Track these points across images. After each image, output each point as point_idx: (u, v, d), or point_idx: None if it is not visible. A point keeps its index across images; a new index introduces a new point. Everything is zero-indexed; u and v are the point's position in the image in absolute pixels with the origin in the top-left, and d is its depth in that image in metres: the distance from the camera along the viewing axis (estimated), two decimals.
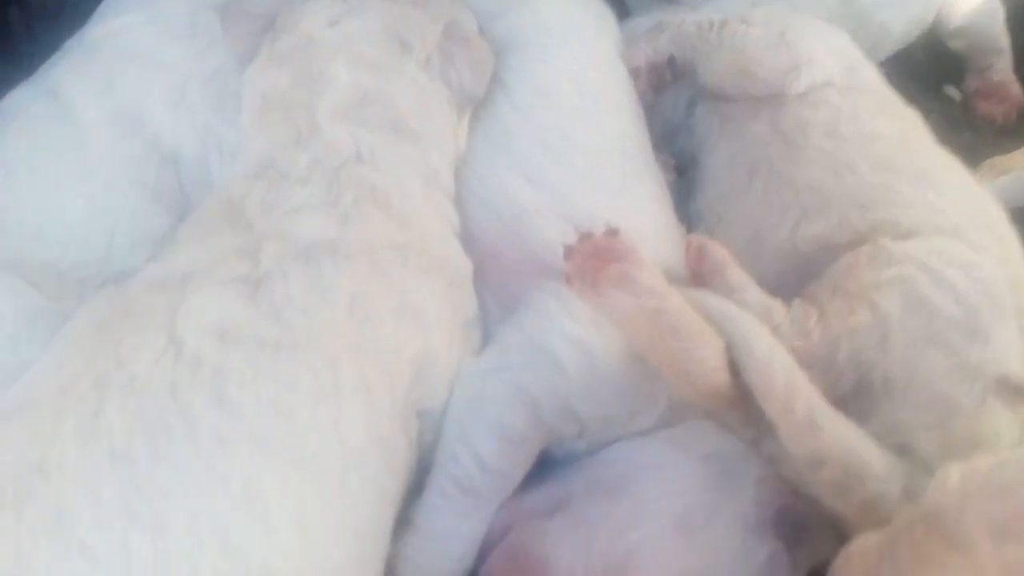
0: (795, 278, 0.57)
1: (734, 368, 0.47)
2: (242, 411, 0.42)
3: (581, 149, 0.60)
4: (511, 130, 0.61)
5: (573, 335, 0.48)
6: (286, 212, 0.49)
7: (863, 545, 0.41)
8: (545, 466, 0.51)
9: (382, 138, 0.53)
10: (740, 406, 0.48)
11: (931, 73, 0.96)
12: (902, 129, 0.65)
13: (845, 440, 0.45)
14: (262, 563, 0.40)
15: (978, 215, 0.57)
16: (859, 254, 0.54)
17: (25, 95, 0.61)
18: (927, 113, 0.93)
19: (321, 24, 0.55)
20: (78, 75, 0.61)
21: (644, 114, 0.71)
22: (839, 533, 0.46)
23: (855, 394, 0.49)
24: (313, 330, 0.45)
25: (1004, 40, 0.93)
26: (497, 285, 0.56)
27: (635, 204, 0.60)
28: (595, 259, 0.49)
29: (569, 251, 0.50)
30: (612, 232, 0.51)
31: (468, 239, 0.58)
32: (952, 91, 0.96)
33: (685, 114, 0.76)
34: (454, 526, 0.48)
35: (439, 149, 0.57)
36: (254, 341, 0.44)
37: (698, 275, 0.54)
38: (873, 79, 0.70)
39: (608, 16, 0.73)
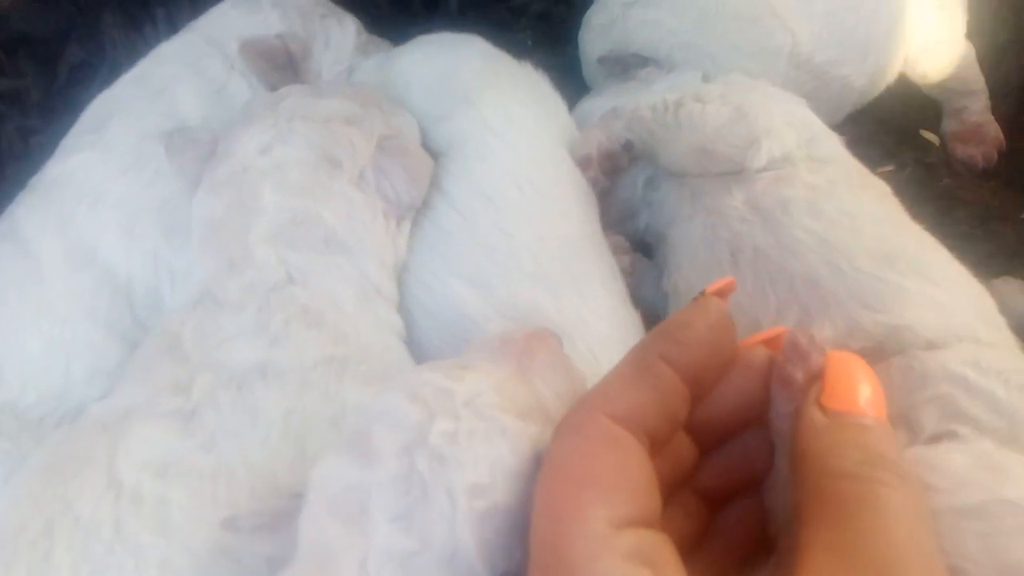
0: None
1: None
2: (190, 536, 0.44)
3: (525, 248, 0.62)
4: (453, 235, 0.63)
5: None
6: (220, 341, 0.52)
7: None
8: None
9: (312, 257, 0.56)
10: None
11: (906, 117, 0.97)
12: (881, 203, 0.65)
13: None
14: None
15: (983, 309, 0.57)
16: (891, 369, 0.53)
17: None
18: (905, 161, 0.94)
19: (253, 152, 0.59)
20: (36, 213, 0.65)
21: (597, 199, 0.72)
22: None
23: None
24: (248, 455, 0.47)
25: (978, 82, 0.93)
26: None
27: (583, 298, 0.61)
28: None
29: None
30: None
31: (414, 346, 0.60)
32: (930, 135, 0.96)
33: (644, 192, 0.77)
34: None
35: (376, 259, 0.59)
36: (191, 472, 0.46)
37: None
38: (836, 149, 0.70)
39: (557, 106, 0.75)
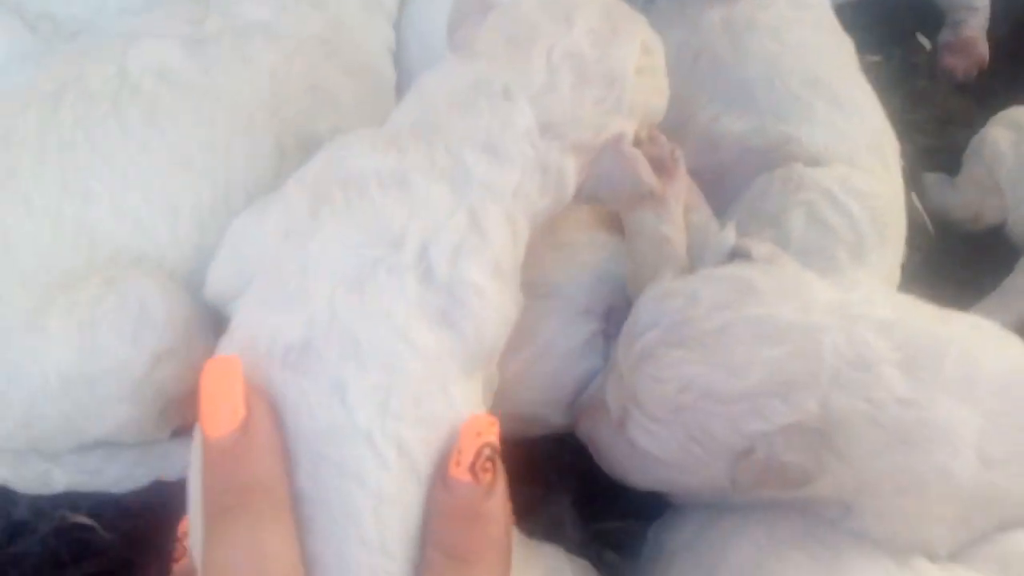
0: (711, 177, 0.67)
1: None
2: (166, 131, 0.56)
3: None
4: None
5: None
6: None
7: None
8: None
9: None
10: None
11: (908, 18, 1.04)
12: (836, 49, 0.74)
13: None
14: (159, 248, 0.54)
15: (873, 141, 0.68)
16: (773, 178, 0.65)
17: None
18: (892, 55, 1.02)
19: None
20: None
21: None
22: None
23: None
24: (235, 88, 0.59)
25: (982, 0, 1.00)
26: None
27: None
28: None
29: None
30: None
31: (399, 64, 0.70)
32: (924, 40, 1.03)
33: (644, 3, 0.85)
34: None
35: None
36: (186, 84, 0.58)
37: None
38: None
39: None
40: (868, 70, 0.97)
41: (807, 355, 0.46)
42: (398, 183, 0.46)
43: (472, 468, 0.38)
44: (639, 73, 0.55)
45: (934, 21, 1.04)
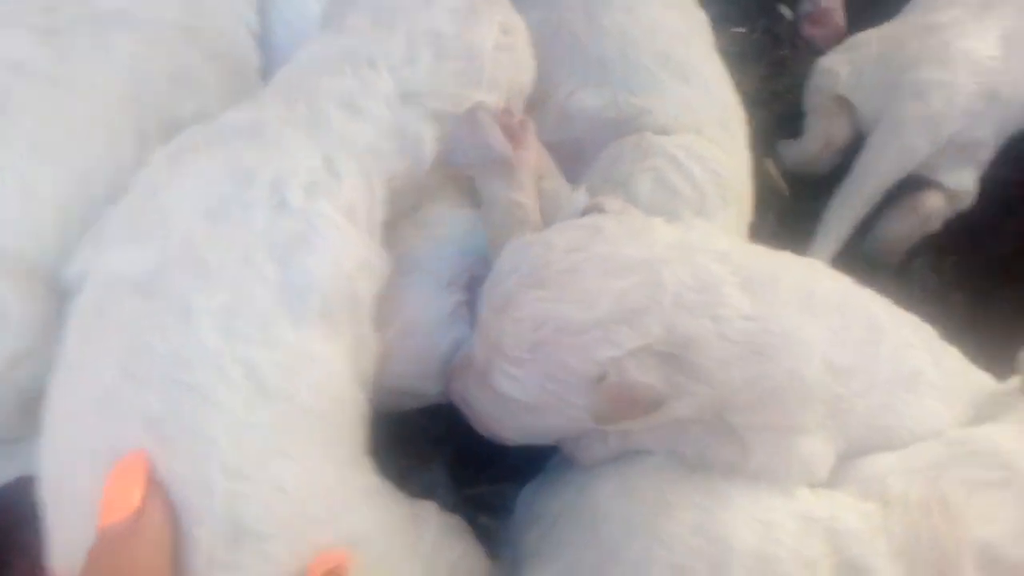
0: (569, 151, 0.71)
1: None
2: (19, 122, 0.56)
3: None
4: None
5: None
6: None
7: None
8: None
9: None
10: None
11: None
12: (688, 25, 0.78)
13: None
14: (19, 240, 0.55)
15: (719, 114, 0.73)
16: (624, 144, 0.69)
17: None
18: (756, 27, 1.07)
19: None
20: None
21: None
22: None
23: None
24: (92, 76, 0.59)
25: None
26: None
27: None
28: None
29: None
30: None
31: (265, 49, 0.71)
32: (785, 10, 1.09)
33: None
34: None
35: None
36: (39, 74, 0.58)
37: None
38: None
39: None
40: (734, 41, 1.04)
41: (651, 284, 0.49)
42: (255, 131, 0.51)
43: None
44: (498, 50, 0.60)
45: None
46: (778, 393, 0.51)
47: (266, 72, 0.70)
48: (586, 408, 0.51)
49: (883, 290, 0.87)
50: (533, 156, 0.62)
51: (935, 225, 0.89)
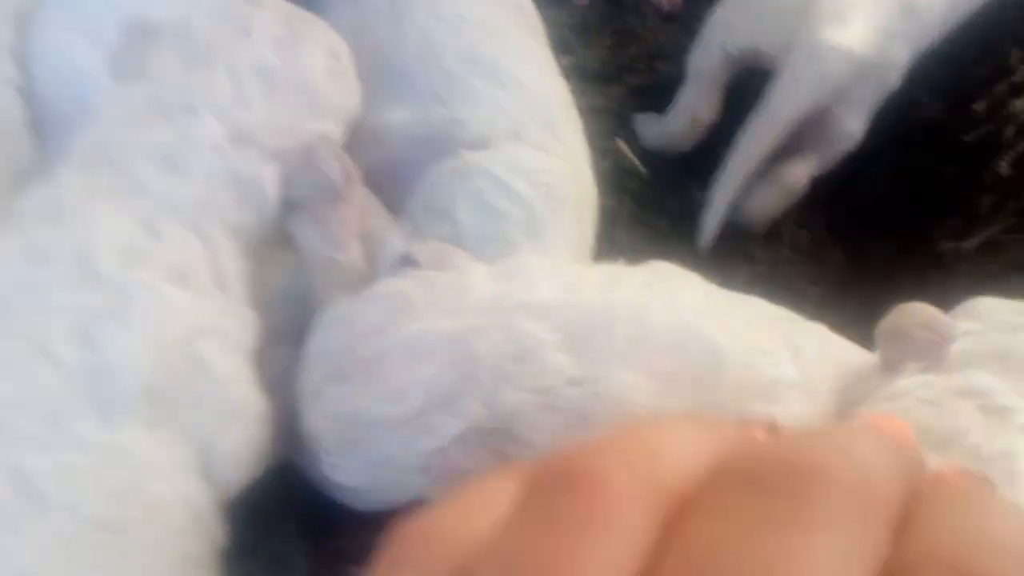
0: (384, 178, 0.65)
1: None
2: None
3: None
4: None
5: None
6: None
7: None
8: None
9: None
10: None
11: None
12: (498, 17, 0.71)
13: None
14: None
15: (540, 113, 0.66)
16: (442, 171, 0.63)
17: None
18: None
19: None
20: None
21: None
22: None
23: None
24: None
25: None
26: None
27: None
28: None
29: None
30: None
31: (33, 98, 0.64)
32: None
33: None
34: None
35: None
36: None
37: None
38: None
39: None
40: (573, 13, 0.99)
41: (464, 362, 0.46)
42: (53, 209, 0.47)
43: None
44: (329, 75, 0.57)
45: None
46: None
47: (37, 126, 0.63)
48: (426, 482, 0.49)
49: (752, 256, 0.86)
50: (357, 212, 0.58)
51: (799, 194, 0.86)
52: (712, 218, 0.81)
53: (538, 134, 0.64)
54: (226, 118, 0.51)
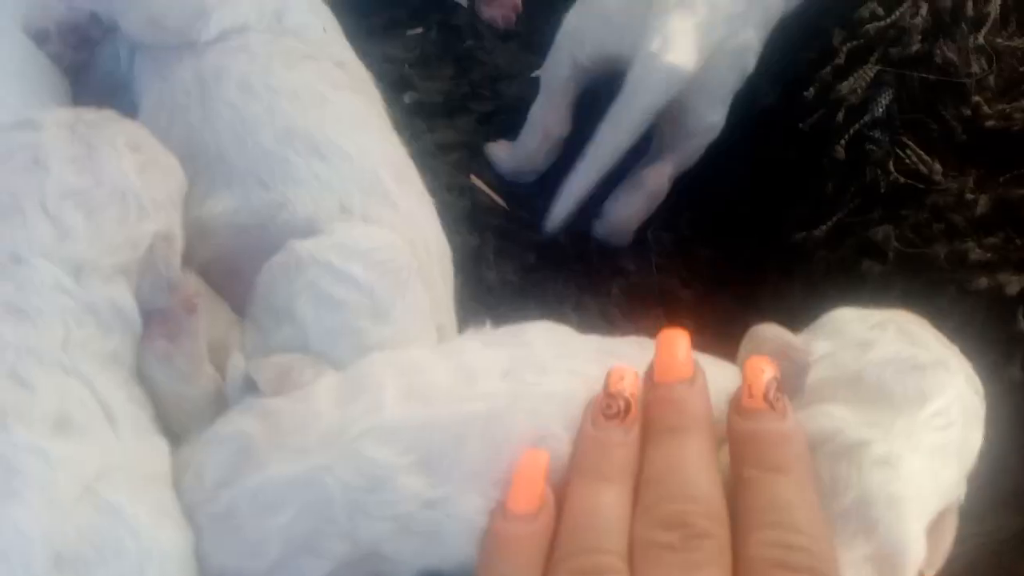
0: (224, 271, 0.61)
1: None
2: None
3: None
4: None
5: None
6: None
7: None
8: None
9: None
10: None
11: None
12: (316, 82, 0.67)
13: None
14: None
15: (368, 181, 0.62)
16: (273, 267, 0.59)
17: None
18: (431, 23, 1.00)
19: None
20: None
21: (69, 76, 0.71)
22: None
23: None
24: None
25: None
26: None
27: None
28: None
29: None
30: None
31: None
32: None
33: (128, 64, 0.76)
34: None
35: None
36: None
37: None
38: (304, 23, 0.71)
39: None
40: (410, 46, 0.96)
41: (317, 504, 0.46)
42: None
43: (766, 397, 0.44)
44: (140, 171, 0.55)
45: None
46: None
47: None
48: None
49: (623, 269, 0.85)
50: (202, 339, 0.55)
51: (662, 196, 0.86)
52: (559, 212, 0.80)
53: (368, 205, 0.60)
54: (56, 256, 0.49)
